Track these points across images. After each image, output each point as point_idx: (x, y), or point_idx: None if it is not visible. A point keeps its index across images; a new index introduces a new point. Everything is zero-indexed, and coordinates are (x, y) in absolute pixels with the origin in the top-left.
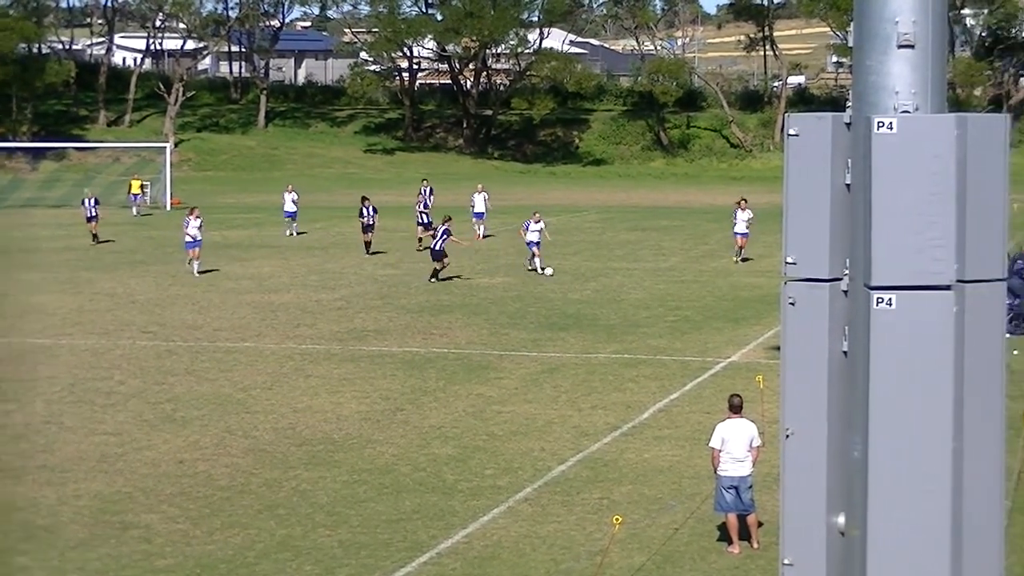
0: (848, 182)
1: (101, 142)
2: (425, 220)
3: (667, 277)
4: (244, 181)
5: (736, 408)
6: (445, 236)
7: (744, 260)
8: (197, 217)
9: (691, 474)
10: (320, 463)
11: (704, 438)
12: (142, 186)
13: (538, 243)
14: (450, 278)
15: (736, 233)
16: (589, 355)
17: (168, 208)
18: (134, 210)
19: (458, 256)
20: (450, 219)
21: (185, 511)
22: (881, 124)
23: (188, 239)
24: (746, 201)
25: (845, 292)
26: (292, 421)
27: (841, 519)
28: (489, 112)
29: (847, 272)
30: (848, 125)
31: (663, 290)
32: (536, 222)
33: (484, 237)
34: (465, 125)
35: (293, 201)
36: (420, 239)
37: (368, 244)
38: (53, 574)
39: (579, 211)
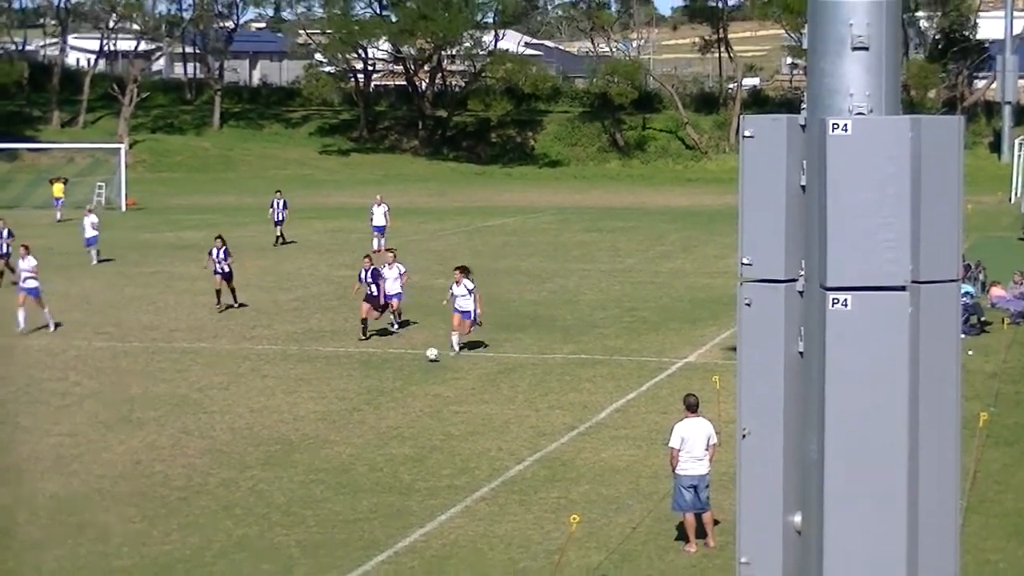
0: (803, 183)
1: (55, 143)
2: (279, 234)
3: (623, 278)
4: (199, 182)
5: (692, 407)
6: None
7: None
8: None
9: (648, 473)
10: (277, 463)
11: (661, 438)
12: (64, 190)
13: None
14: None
15: (457, 310)
16: (546, 355)
17: (123, 209)
18: (58, 214)
19: (414, 256)
20: None
21: (142, 511)
22: (836, 126)
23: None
24: (463, 272)
25: (800, 293)
26: (249, 421)
27: (797, 518)
28: (444, 113)
29: (802, 273)
30: (803, 127)
31: (619, 291)
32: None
33: (387, 251)
34: (420, 126)
35: (93, 226)
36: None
37: (219, 293)
38: None
39: (535, 212)
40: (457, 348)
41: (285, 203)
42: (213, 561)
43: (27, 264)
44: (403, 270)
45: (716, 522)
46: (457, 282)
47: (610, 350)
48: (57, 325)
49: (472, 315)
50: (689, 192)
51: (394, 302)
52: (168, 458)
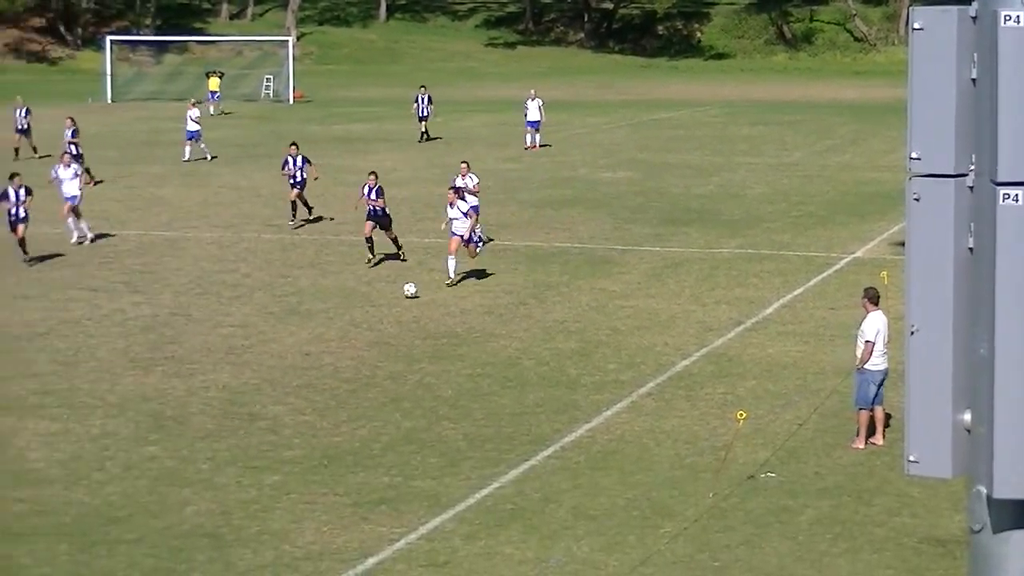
0: (974, 76)
1: (223, 35)
2: (424, 130)
3: (790, 172)
4: (364, 74)
5: (876, 300)
6: None
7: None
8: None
9: (815, 370)
10: (444, 356)
11: (828, 334)
12: (220, 84)
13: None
14: None
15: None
16: (712, 250)
17: (291, 102)
18: (211, 108)
19: (580, 149)
20: None
21: (311, 403)
22: (1008, 17)
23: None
24: (457, 193)
25: (971, 188)
26: (416, 315)
27: (967, 416)
28: (610, 5)
29: (973, 167)
30: (974, 18)
31: (786, 185)
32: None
33: (540, 147)
34: (586, 18)
35: (194, 119)
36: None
37: (295, 206)
38: (182, 464)
39: (701, 105)
40: (453, 276)
41: (430, 98)
42: (382, 453)
43: (67, 174)
44: (476, 180)
45: (889, 416)
46: (452, 204)
47: (777, 245)
48: (95, 239)
49: (472, 238)
50: (857, 85)
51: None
52: (337, 350)
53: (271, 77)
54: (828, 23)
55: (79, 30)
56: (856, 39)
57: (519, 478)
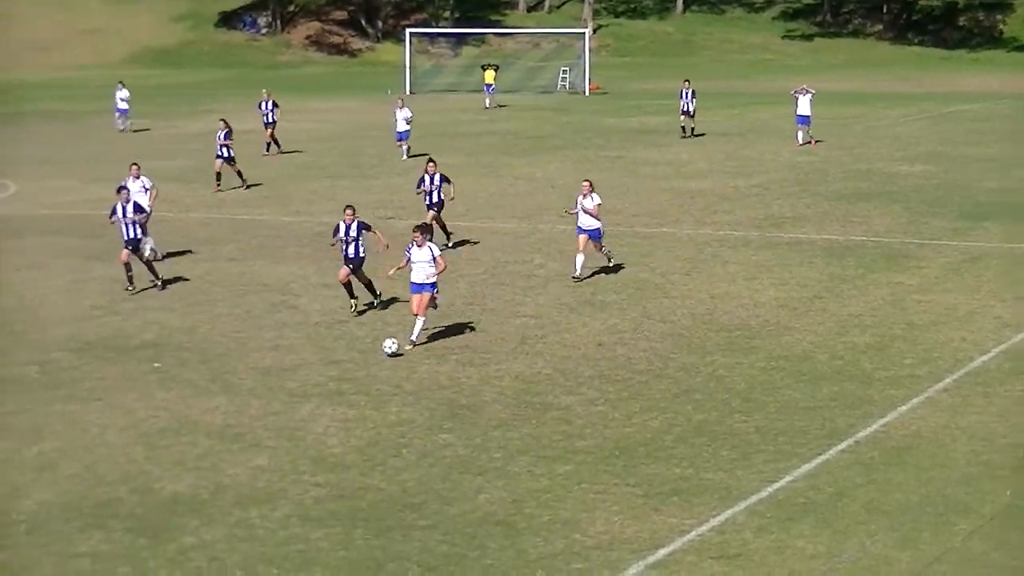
0: None
1: (520, 28)
2: (685, 125)
3: None
4: (660, 67)
5: None
6: None
7: None
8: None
9: None
10: (737, 349)
11: None
12: (495, 77)
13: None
14: None
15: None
16: (1013, 245)
17: (586, 94)
18: (487, 101)
19: (876, 141)
20: None
21: (603, 393)
22: None
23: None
24: (423, 232)
25: None
26: (709, 307)
27: None
28: None
29: None
30: None
31: None
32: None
33: (805, 144)
34: (884, 10)
35: (406, 120)
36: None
37: (431, 228)
38: (476, 452)
39: (1002, 98)
40: (417, 336)
41: (694, 92)
42: (673, 445)
43: (135, 186)
44: (598, 202)
45: None
46: (419, 245)
47: None
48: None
49: (434, 287)
50: None
51: (588, 240)
52: (630, 341)
53: (567, 69)
54: None
55: (379, 23)
56: None
57: (812, 472)
